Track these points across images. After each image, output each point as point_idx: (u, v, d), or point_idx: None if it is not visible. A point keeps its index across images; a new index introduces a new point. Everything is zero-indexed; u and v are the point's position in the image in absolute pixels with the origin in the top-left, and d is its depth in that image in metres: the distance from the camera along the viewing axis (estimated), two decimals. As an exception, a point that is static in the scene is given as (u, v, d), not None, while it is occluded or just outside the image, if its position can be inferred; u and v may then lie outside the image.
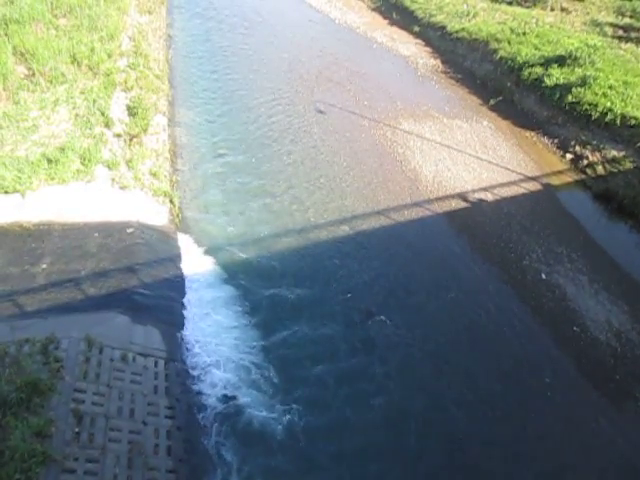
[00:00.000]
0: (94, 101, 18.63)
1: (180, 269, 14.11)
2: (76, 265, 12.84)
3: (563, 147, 22.14)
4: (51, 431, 8.53)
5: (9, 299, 11.47)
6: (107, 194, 15.28)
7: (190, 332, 12.43)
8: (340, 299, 14.14)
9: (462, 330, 13.70)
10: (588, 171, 20.68)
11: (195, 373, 11.54)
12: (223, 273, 14.54)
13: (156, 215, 15.55)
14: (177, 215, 16.18)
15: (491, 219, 17.91)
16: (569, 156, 21.61)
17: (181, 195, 17.14)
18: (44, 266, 12.59)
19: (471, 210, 18.31)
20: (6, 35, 21.17)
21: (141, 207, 15.40)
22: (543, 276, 15.62)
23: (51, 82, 19.23)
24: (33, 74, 19.37)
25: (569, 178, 20.55)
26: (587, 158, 21.07)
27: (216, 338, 12.50)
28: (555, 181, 20.30)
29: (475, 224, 17.69)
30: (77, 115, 17.81)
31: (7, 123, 16.65)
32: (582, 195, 19.77)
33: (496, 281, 15.48)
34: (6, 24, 21.99)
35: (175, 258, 14.36)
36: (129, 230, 14.40)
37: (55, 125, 17.12)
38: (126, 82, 21.06)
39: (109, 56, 22.11)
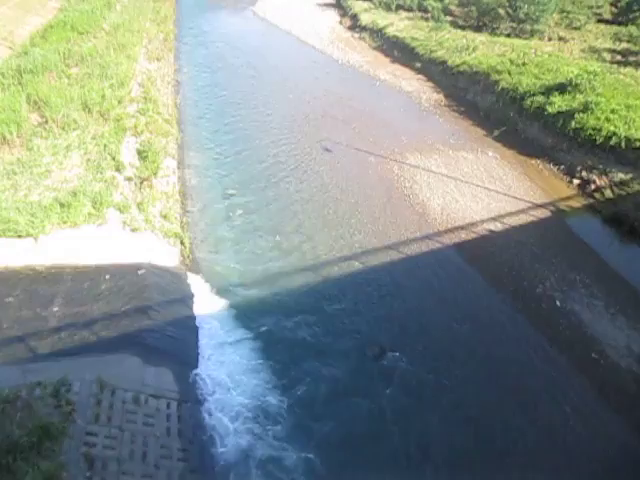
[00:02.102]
0: (105, 146, 19.06)
1: (192, 309, 14.12)
2: (88, 307, 12.90)
3: (570, 173, 22.17)
4: (62, 476, 8.39)
5: (22, 342, 11.51)
6: (118, 236, 15.45)
7: (202, 372, 12.33)
8: (353, 336, 14.00)
9: (478, 363, 13.45)
10: (596, 195, 20.64)
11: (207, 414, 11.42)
12: (234, 312, 14.50)
13: (167, 256, 15.68)
14: (188, 256, 16.29)
15: (501, 248, 17.81)
16: (576, 181, 21.62)
17: (191, 236, 17.28)
18: (56, 309, 12.65)
19: (481, 240, 18.23)
20: (20, 84, 21.96)
21: (152, 249, 15.54)
22: (557, 303, 15.40)
23: (63, 128, 19.77)
24: (46, 121, 19.95)
25: (578, 203, 20.50)
26: (594, 182, 21.06)
27: (229, 377, 12.38)
28: (564, 207, 20.24)
29: (486, 254, 17.60)
30: (89, 160, 18.19)
31: (21, 169, 17.08)
32: (592, 220, 19.67)
33: (510, 310, 15.29)
34: (20, 74, 22.84)
35: (187, 298, 14.39)
36: (140, 272, 14.49)
37: (67, 170, 17.50)
38: (136, 127, 21.57)
39: (119, 102, 22.73)
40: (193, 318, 13.86)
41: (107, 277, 13.97)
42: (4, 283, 13.19)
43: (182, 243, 16.51)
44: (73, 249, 14.47)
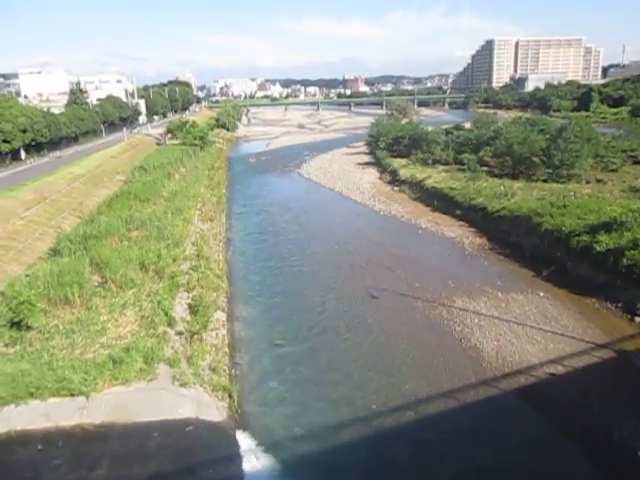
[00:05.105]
0: (159, 302, 19.82)
1: (240, 468, 13.49)
2: (134, 469, 12.52)
3: (629, 310, 21.25)
4: None
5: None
6: (167, 392, 15.37)
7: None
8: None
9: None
10: (663, 333, 19.51)
11: None
12: (285, 471, 13.73)
13: (215, 411, 15.37)
14: (236, 410, 15.90)
15: (566, 392, 16.61)
16: (638, 319, 20.61)
17: (240, 388, 17.02)
18: (102, 472, 12.30)
19: (542, 385, 17.13)
20: (85, 249, 23.83)
21: (200, 403, 15.32)
22: None
23: (121, 287, 20.86)
24: (106, 281, 21.18)
25: (643, 342, 19.33)
26: (659, 319, 20.05)
27: None
28: (629, 346, 19.06)
29: (549, 400, 16.40)
30: (142, 316, 18.86)
31: (79, 328, 17.85)
32: (663, 359, 18.36)
33: (586, 464, 13.87)
34: (86, 240, 24.90)
35: (235, 457, 13.80)
36: (188, 428, 14.19)
37: (122, 327, 18.12)
38: (189, 283, 22.56)
39: (174, 260, 24.08)
40: (242, 478, 13.16)
41: (155, 435, 13.70)
42: (53, 445, 13.11)
43: (230, 397, 16.23)
44: (123, 406, 14.42)
